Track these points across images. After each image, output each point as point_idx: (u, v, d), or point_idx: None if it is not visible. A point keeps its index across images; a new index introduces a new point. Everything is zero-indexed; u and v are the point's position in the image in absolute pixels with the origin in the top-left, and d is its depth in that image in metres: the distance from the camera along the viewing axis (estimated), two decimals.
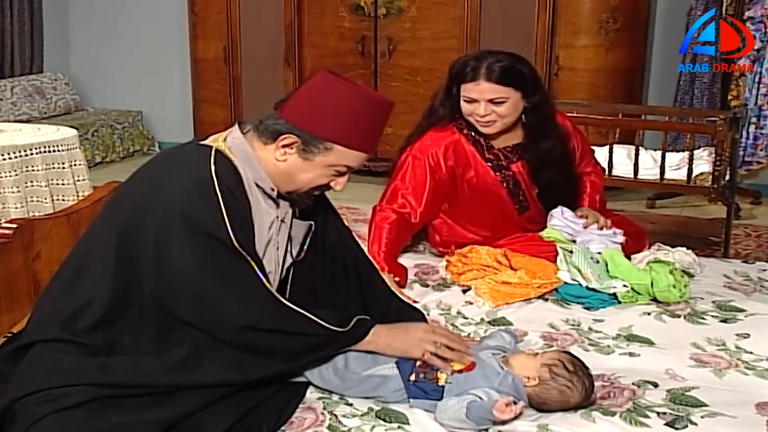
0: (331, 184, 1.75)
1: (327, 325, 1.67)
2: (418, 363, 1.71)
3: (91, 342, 1.61)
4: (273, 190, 1.74)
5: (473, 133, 2.53)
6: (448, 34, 5.00)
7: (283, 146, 1.68)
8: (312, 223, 1.88)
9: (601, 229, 2.51)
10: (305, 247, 1.89)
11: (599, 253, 2.40)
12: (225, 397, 1.62)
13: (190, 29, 5.72)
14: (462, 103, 2.47)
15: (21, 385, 1.57)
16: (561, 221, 2.52)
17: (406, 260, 2.68)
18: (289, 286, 1.89)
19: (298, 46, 5.33)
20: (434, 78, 4.84)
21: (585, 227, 2.50)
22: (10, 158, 3.54)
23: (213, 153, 1.66)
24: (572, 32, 4.82)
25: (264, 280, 1.65)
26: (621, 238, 2.50)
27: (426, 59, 5.08)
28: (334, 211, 1.99)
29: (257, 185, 1.72)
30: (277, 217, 1.77)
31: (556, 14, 4.80)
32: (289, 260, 1.85)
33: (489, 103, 2.41)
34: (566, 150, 2.61)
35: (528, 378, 1.66)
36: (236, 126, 1.76)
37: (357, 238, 2.08)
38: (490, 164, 2.53)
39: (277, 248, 1.79)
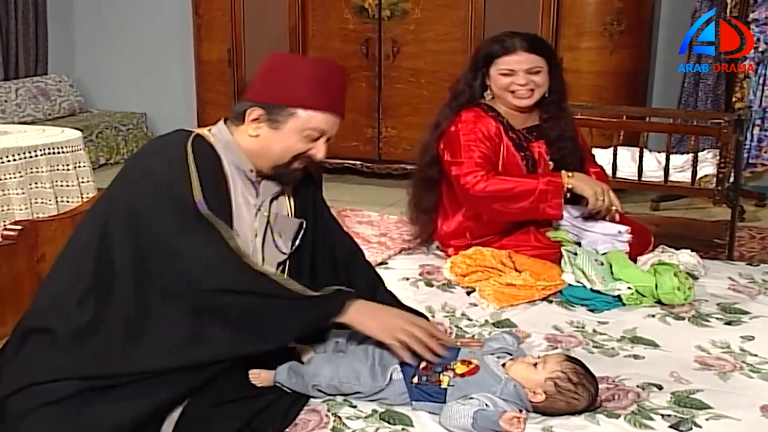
0: (311, 152, 1.81)
1: (295, 288, 1.70)
2: (421, 365, 1.71)
3: (77, 324, 1.63)
4: (252, 171, 1.82)
5: (497, 114, 2.59)
6: (452, 36, 4.99)
7: (252, 120, 1.79)
8: (303, 221, 1.93)
9: (608, 219, 2.50)
10: (296, 243, 1.92)
11: (604, 254, 2.40)
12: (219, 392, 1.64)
13: (194, 31, 5.72)
14: (498, 78, 2.55)
15: (10, 382, 1.62)
16: (567, 221, 2.52)
17: (410, 260, 2.68)
18: None
19: (302, 48, 5.32)
20: (438, 80, 4.84)
21: (594, 213, 2.49)
22: (14, 160, 3.55)
23: (192, 135, 1.77)
24: (576, 34, 4.81)
25: (229, 244, 1.68)
26: (627, 236, 2.49)
27: (430, 61, 5.07)
28: (325, 206, 2.05)
29: (239, 168, 1.81)
30: (254, 205, 1.84)
31: (560, 16, 4.79)
32: (281, 257, 1.89)
33: (526, 73, 2.52)
34: (574, 128, 2.70)
35: (534, 393, 1.65)
36: (222, 120, 1.87)
37: (350, 235, 2.14)
38: (512, 143, 2.59)
39: (255, 235, 1.84)
